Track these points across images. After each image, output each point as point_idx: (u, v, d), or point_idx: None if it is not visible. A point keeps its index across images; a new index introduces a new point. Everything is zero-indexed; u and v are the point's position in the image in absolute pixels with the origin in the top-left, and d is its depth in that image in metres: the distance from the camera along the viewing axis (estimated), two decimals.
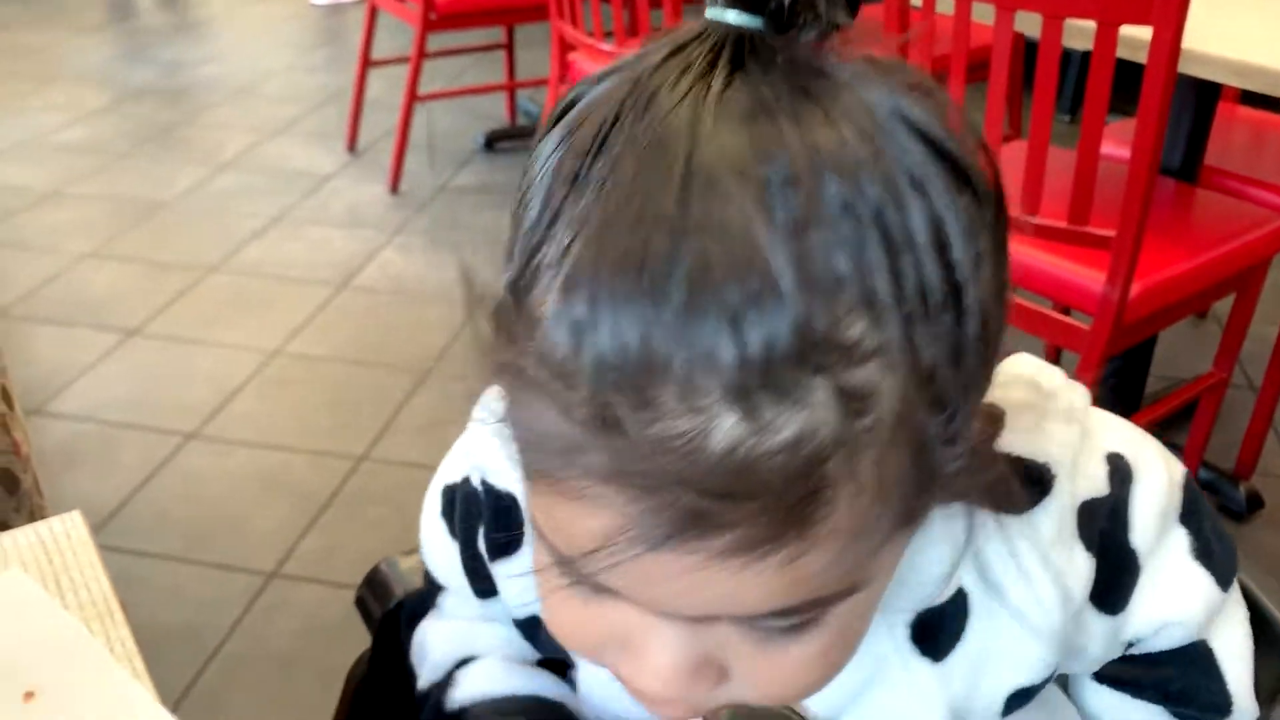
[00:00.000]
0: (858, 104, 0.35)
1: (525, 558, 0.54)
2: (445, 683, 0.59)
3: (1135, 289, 1.40)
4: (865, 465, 0.35)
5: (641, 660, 0.40)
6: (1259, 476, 1.85)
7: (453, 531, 0.59)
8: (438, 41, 2.80)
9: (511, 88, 3.16)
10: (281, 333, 2.19)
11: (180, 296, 2.31)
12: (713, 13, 0.37)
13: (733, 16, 0.36)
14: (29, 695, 0.48)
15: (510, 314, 0.36)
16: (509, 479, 0.53)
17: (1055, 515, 0.49)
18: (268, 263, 2.46)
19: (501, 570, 0.56)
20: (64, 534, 0.58)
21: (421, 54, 2.65)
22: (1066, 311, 1.55)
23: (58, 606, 0.53)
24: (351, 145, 3.03)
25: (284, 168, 2.93)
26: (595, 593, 0.40)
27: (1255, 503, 1.78)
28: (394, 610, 0.65)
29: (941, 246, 0.35)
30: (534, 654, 0.60)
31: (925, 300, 0.35)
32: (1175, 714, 0.57)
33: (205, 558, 1.63)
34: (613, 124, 0.36)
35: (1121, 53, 1.31)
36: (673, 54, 0.37)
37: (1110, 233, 1.36)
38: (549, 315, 0.34)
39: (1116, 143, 1.59)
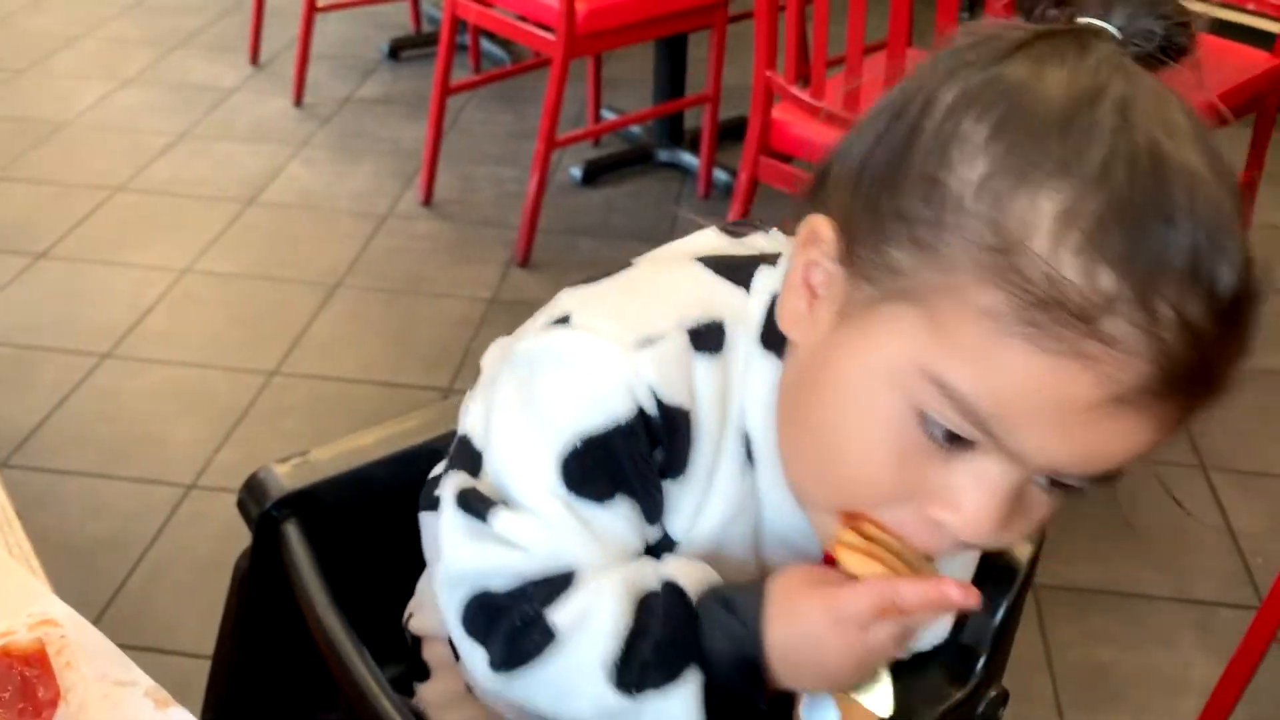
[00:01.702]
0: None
1: (696, 476, 0.57)
2: (643, 613, 0.57)
3: None
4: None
5: (956, 506, 0.50)
6: None
7: (605, 492, 0.56)
8: None
9: None
10: (191, 250, 2.23)
11: (89, 217, 2.33)
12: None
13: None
14: None
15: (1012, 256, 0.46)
16: (677, 393, 0.56)
17: None
18: (175, 180, 2.48)
19: (668, 491, 0.58)
20: None
21: None
22: None
23: None
24: (254, 58, 3.01)
25: (186, 82, 2.92)
26: (947, 446, 0.49)
27: None
28: (270, 510, 0.73)
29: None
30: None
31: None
32: None
33: (125, 473, 1.71)
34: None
35: None
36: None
37: None
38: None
39: None
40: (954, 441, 0.49)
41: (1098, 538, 1.66)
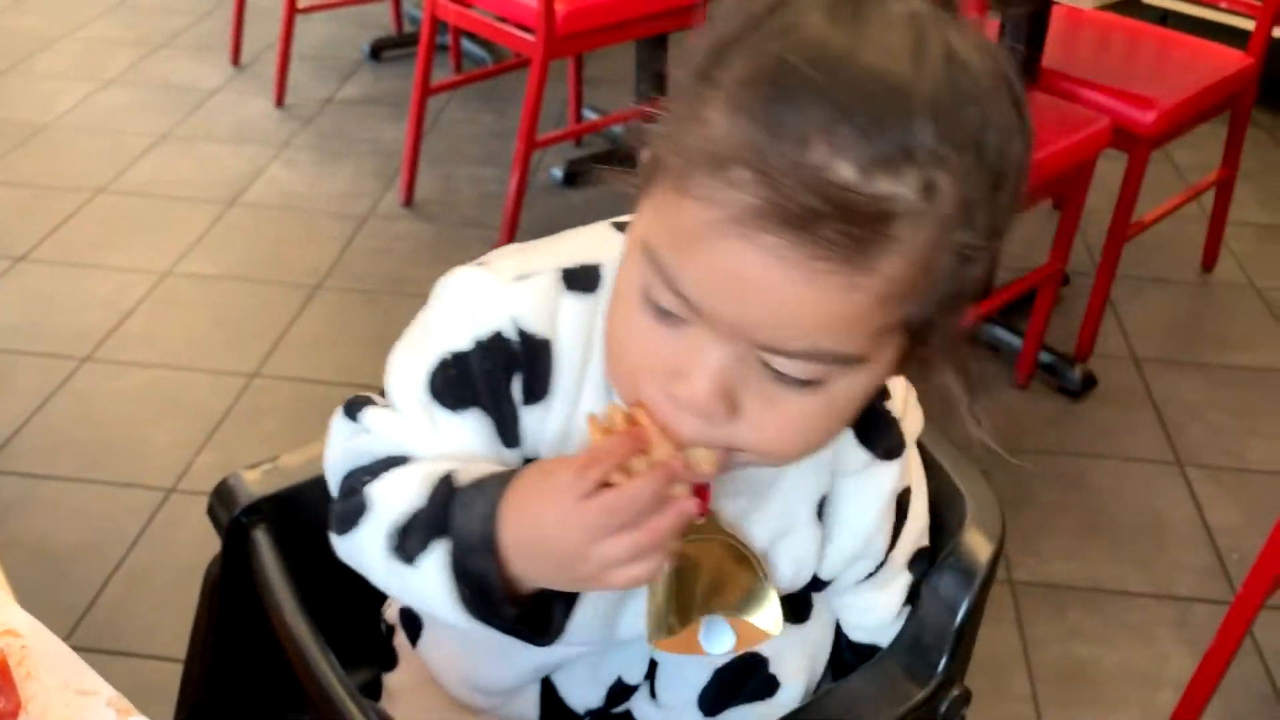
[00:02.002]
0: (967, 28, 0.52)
1: (558, 404, 0.62)
2: (442, 486, 0.59)
3: None
4: (921, 239, 0.49)
5: (684, 380, 0.53)
6: (1097, 358, 2.01)
7: (461, 401, 0.61)
8: None
9: None
10: (172, 253, 2.22)
11: (68, 219, 2.32)
12: None
13: None
14: None
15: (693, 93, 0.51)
16: (541, 323, 0.61)
17: (898, 476, 0.69)
18: (156, 182, 2.47)
19: (529, 414, 0.62)
20: None
21: None
22: None
23: None
24: (235, 58, 3.00)
25: (168, 83, 2.91)
26: (668, 321, 0.53)
27: (1089, 382, 1.94)
28: (239, 517, 0.73)
29: (1004, 128, 0.51)
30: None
31: (985, 154, 0.50)
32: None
33: (104, 477, 1.70)
34: None
35: None
36: None
37: None
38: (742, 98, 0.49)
39: None
40: (669, 317, 0.53)
41: (1075, 534, 1.67)
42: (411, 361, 0.63)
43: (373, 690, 0.78)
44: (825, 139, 0.47)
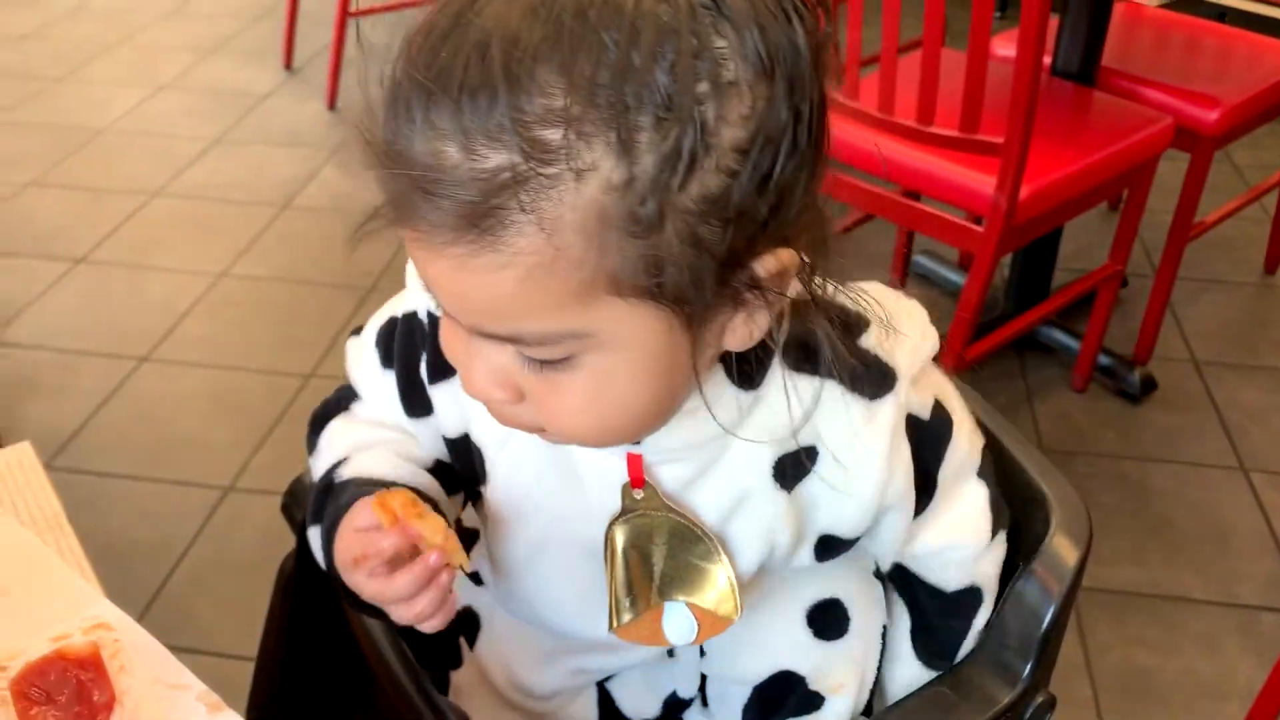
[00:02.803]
0: None
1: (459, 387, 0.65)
2: (337, 464, 0.69)
3: (1024, 191, 1.49)
4: (550, 207, 0.46)
5: (466, 371, 0.55)
6: (1156, 361, 1.98)
7: (386, 360, 0.69)
8: None
9: None
10: (227, 255, 2.25)
11: (125, 222, 2.36)
12: None
13: None
14: None
15: None
16: None
17: (893, 411, 0.62)
18: (210, 185, 2.50)
19: (440, 392, 0.67)
20: (15, 461, 0.66)
21: None
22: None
23: (13, 522, 0.62)
24: (288, 62, 3.03)
25: (221, 87, 2.94)
26: (449, 320, 0.54)
27: (1149, 385, 1.90)
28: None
29: (676, 64, 0.45)
30: (422, 457, 0.71)
31: (647, 98, 0.45)
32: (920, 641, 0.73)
33: (164, 475, 1.72)
34: None
35: None
36: None
37: (998, 139, 1.45)
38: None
39: None
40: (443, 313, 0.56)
41: (1136, 540, 1.64)
42: (382, 310, 0.71)
43: (441, 686, 0.79)
44: (429, 126, 0.46)
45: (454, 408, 0.67)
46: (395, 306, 0.70)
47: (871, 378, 0.61)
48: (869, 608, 0.72)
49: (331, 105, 2.82)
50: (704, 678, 0.77)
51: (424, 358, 0.67)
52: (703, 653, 0.74)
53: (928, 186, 1.58)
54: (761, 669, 0.72)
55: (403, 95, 0.47)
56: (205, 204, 2.43)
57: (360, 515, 0.61)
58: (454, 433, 0.68)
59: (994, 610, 0.69)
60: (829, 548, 0.66)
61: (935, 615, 0.72)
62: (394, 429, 0.71)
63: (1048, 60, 1.81)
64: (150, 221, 2.37)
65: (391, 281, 2.17)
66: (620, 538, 0.63)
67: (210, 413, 1.85)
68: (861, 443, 0.62)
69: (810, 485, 0.63)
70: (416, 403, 0.68)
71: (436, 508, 0.63)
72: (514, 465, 0.66)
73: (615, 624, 0.64)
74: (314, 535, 0.68)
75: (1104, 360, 1.92)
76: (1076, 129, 1.69)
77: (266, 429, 1.81)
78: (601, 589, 0.65)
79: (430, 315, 0.66)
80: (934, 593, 0.71)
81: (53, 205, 2.42)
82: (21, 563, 0.60)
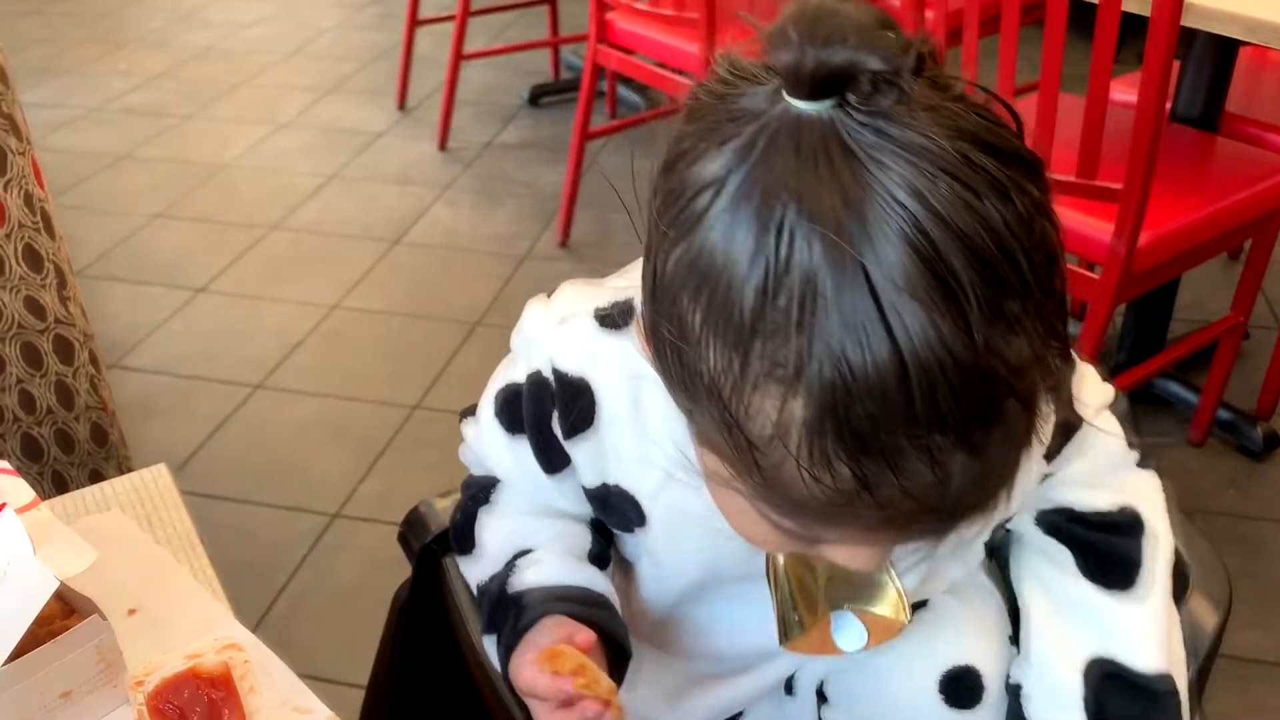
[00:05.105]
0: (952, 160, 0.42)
1: (597, 435, 0.66)
2: (506, 571, 0.70)
3: (1144, 239, 1.45)
4: None
5: (755, 535, 0.52)
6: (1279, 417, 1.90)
7: (512, 426, 0.71)
8: None
9: (555, 44, 3.22)
10: (339, 287, 2.32)
11: (244, 254, 2.44)
12: (809, 107, 0.43)
13: (819, 107, 0.43)
14: (131, 612, 0.59)
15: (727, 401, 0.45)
16: (577, 365, 0.65)
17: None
18: (325, 220, 2.58)
19: (576, 447, 0.67)
20: (152, 482, 0.69)
21: (467, 11, 2.73)
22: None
23: (151, 541, 0.64)
24: (401, 103, 3.12)
25: (337, 126, 3.04)
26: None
27: (1272, 442, 1.83)
28: (431, 544, 0.75)
29: (1043, 241, 0.44)
30: (583, 546, 0.72)
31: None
32: (1086, 572, 0.70)
33: (273, 500, 1.77)
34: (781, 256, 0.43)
35: (1130, 7, 1.35)
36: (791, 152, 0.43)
37: (1117, 185, 1.42)
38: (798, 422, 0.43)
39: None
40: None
41: (1257, 603, 1.57)
42: (492, 384, 0.73)
43: None
44: (925, 453, 0.43)
45: (591, 461, 0.67)
46: (507, 375, 0.71)
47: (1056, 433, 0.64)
48: (1002, 676, 0.71)
49: (442, 145, 2.89)
50: None
51: (554, 415, 0.67)
52: (824, 698, 0.73)
53: None
54: None
55: (879, 449, 0.43)
56: (320, 238, 2.51)
57: (533, 653, 0.63)
58: (592, 484, 0.69)
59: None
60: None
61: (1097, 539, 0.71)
62: (547, 515, 0.72)
63: (1168, 105, 1.77)
64: (268, 254, 2.45)
65: (499, 316, 2.20)
66: (781, 555, 0.65)
67: (319, 441, 1.90)
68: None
69: None
70: (555, 459, 0.69)
71: (607, 606, 0.66)
72: (674, 508, 0.67)
73: (786, 639, 0.66)
74: (489, 644, 0.69)
75: (1224, 415, 1.84)
76: (1198, 176, 1.64)
77: (373, 458, 1.85)
78: (768, 607, 0.66)
79: (556, 371, 0.66)
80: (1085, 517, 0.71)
81: (177, 236, 2.52)
82: (156, 581, 0.62)
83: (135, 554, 0.64)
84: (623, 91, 3.05)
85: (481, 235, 2.51)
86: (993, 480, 0.45)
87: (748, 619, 0.70)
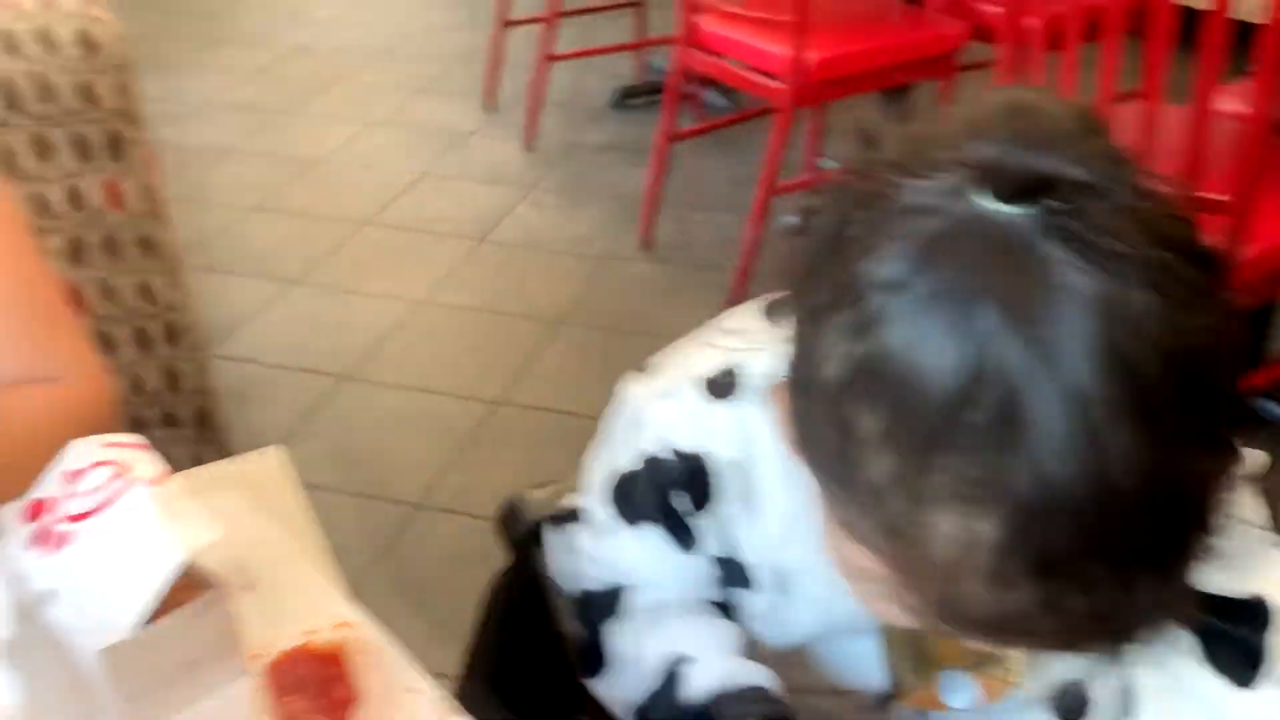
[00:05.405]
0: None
1: (719, 507, 0.65)
2: (670, 682, 0.66)
3: (1249, 252, 1.41)
4: None
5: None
6: None
7: (633, 516, 0.67)
8: (572, 0, 2.90)
9: (642, 46, 3.24)
10: (426, 283, 2.36)
11: (336, 248, 2.50)
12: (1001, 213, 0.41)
13: (1015, 212, 0.41)
14: (248, 588, 0.62)
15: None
16: (691, 440, 0.64)
17: None
18: (413, 217, 2.63)
19: (700, 520, 0.66)
20: (270, 465, 0.71)
21: (556, 13, 2.75)
22: None
23: (266, 520, 0.66)
24: (489, 103, 3.17)
25: (427, 125, 3.10)
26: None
27: None
28: (528, 534, 0.76)
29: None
30: (734, 639, 0.69)
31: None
32: (1207, 657, 0.67)
33: (357, 489, 1.81)
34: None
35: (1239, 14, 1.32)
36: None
37: (1223, 196, 1.38)
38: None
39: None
40: None
41: None
42: (597, 476, 0.69)
43: None
44: (1118, 575, 0.42)
45: (716, 534, 0.66)
46: (611, 465, 0.68)
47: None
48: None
49: (529, 145, 2.93)
50: None
51: (679, 493, 0.66)
52: None
53: None
54: None
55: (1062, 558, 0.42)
56: (409, 234, 2.56)
57: None
58: (722, 554, 0.68)
59: None
60: None
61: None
62: (689, 613, 0.69)
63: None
64: (358, 248, 2.50)
65: (579, 316, 2.22)
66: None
67: (404, 432, 1.93)
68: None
69: None
70: (686, 537, 0.67)
71: (779, 697, 0.65)
72: (787, 574, 0.66)
73: (897, 694, 0.65)
74: None
75: None
76: None
77: (456, 450, 1.87)
78: (876, 657, 0.66)
79: (676, 453, 0.64)
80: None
81: (271, 229, 2.59)
82: (272, 560, 0.64)
83: (252, 533, 0.66)
84: (709, 95, 3.05)
85: (565, 235, 2.53)
86: (1174, 598, 0.44)
87: (860, 665, 0.68)
